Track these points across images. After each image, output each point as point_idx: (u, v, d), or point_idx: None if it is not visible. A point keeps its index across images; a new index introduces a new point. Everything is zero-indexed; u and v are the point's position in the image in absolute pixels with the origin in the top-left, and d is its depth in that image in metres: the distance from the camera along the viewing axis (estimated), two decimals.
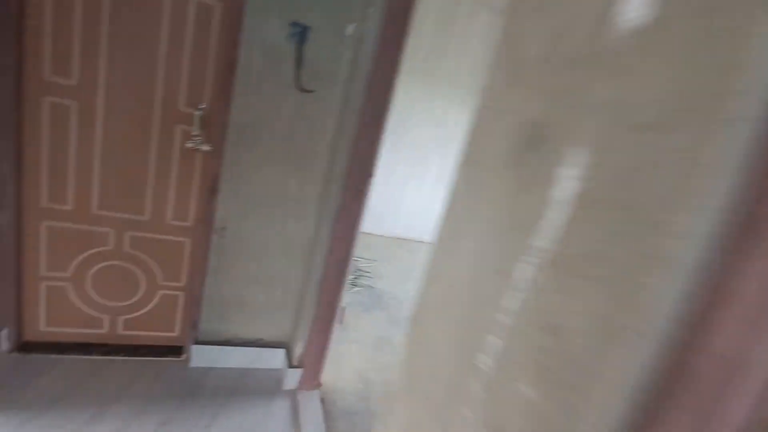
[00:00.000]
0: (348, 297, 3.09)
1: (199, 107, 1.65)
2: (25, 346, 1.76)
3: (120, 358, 1.86)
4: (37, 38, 1.43)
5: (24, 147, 1.53)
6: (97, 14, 1.46)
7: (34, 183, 1.58)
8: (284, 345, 2.07)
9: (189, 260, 1.88)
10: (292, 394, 1.94)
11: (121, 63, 1.53)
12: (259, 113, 1.66)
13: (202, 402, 1.75)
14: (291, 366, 1.95)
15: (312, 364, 1.95)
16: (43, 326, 1.79)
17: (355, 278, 3.52)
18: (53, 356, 1.76)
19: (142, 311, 1.90)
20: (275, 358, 2.07)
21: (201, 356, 1.94)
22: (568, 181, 0.44)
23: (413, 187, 5.13)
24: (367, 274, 3.70)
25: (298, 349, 1.94)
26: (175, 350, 1.98)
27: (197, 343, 1.92)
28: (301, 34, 1.59)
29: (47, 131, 1.54)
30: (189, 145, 1.68)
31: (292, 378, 1.95)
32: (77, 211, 1.66)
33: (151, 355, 1.92)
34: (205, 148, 1.70)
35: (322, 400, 1.95)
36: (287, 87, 1.65)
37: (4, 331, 1.68)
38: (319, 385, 2.02)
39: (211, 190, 1.72)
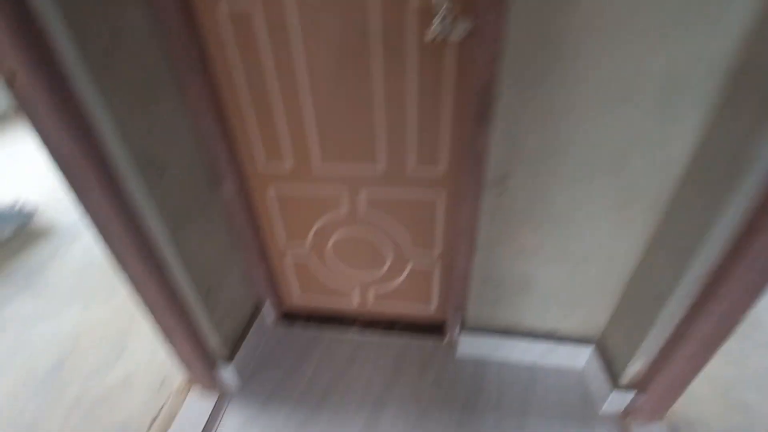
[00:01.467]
0: None
1: None
2: (286, 316, 1.60)
3: (376, 335, 1.52)
4: None
5: (219, 90, 1.06)
6: None
7: (246, 142, 1.15)
8: (592, 341, 1.31)
9: (444, 221, 1.23)
10: (617, 422, 1.22)
11: None
12: None
13: (489, 418, 1.24)
14: (616, 384, 1.19)
15: (662, 391, 1.13)
16: (298, 296, 1.58)
17: None
18: (313, 330, 1.55)
19: (391, 284, 1.45)
20: (575, 357, 1.35)
21: (470, 346, 1.40)
22: None
23: None
24: None
25: (635, 365, 1.14)
26: (434, 329, 1.52)
27: (465, 329, 1.37)
28: None
29: (237, 62, 1.01)
30: (431, 35, 0.87)
31: (617, 400, 1.20)
32: (299, 169, 1.19)
33: (408, 333, 1.51)
34: (460, 31, 0.86)
35: None
36: None
37: (267, 306, 1.52)
38: (662, 416, 1.22)
39: (478, 114, 0.91)
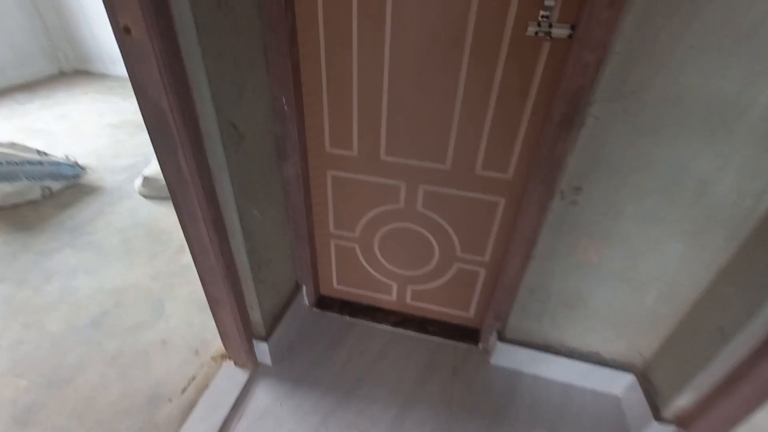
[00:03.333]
0: None
1: None
2: (321, 301, 1.61)
3: (409, 332, 1.51)
4: None
5: (302, 71, 1.08)
6: None
7: (316, 123, 1.16)
8: (635, 368, 1.27)
9: (500, 227, 1.22)
10: None
11: None
12: None
13: (519, 431, 1.22)
14: (657, 417, 1.15)
15: (706, 430, 1.09)
16: (336, 284, 1.58)
17: None
18: (347, 318, 1.55)
19: (433, 284, 1.44)
20: (615, 382, 1.31)
21: (506, 356, 1.38)
22: None
23: None
24: None
25: (681, 399, 1.10)
26: (469, 334, 1.50)
27: (502, 339, 1.35)
28: None
29: (323, 38, 1.02)
30: (532, 30, 0.86)
31: None
32: (363, 158, 1.19)
33: (443, 334, 1.50)
34: (564, 30, 0.85)
35: None
36: None
37: (305, 289, 1.53)
38: None
39: (564, 119, 0.90)
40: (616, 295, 1.12)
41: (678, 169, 0.88)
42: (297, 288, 1.50)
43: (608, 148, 0.89)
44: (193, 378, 1.33)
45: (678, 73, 0.77)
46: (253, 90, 0.97)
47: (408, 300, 1.52)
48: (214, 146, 0.89)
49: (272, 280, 1.28)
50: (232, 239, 1.05)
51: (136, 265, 1.80)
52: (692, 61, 0.75)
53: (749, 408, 1.01)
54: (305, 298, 1.56)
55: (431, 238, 1.31)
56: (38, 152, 2.21)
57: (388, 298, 1.54)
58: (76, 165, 2.29)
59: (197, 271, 1.10)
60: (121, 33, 0.72)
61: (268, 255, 1.21)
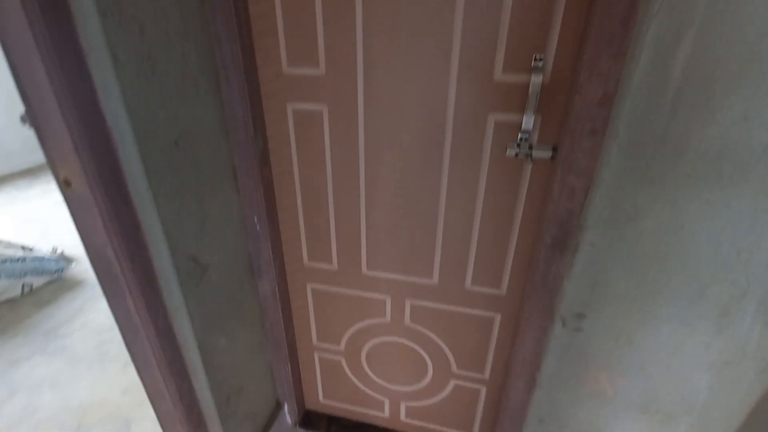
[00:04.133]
0: None
1: (537, 60, 0.73)
2: (307, 418, 1.43)
3: None
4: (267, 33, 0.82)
5: (275, 188, 1.03)
6: None
7: (293, 237, 1.09)
8: None
9: (498, 344, 1.09)
10: None
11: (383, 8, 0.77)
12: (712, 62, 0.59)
13: None
14: None
15: None
16: (322, 398, 1.42)
17: None
18: None
19: (429, 401, 1.27)
20: None
21: None
22: None
23: None
24: None
25: None
26: None
27: None
28: None
29: (296, 157, 0.97)
30: (512, 152, 0.81)
31: None
32: (343, 272, 1.10)
33: None
34: (542, 154, 0.79)
35: None
36: None
37: (287, 407, 1.37)
38: None
39: (556, 243, 0.81)
40: (640, 429, 0.96)
41: (694, 298, 0.77)
42: (278, 406, 1.34)
43: (609, 274, 0.80)
44: None
45: (676, 202, 0.69)
46: (220, 214, 0.91)
47: (402, 417, 1.35)
48: (170, 285, 0.80)
49: (245, 409, 1.13)
50: (193, 378, 0.93)
51: (107, 375, 1.65)
52: (690, 191, 0.68)
53: None
54: (287, 416, 1.39)
55: (423, 353, 1.18)
56: (23, 248, 2.16)
57: (381, 414, 1.37)
58: (61, 258, 2.23)
59: (155, 413, 0.96)
60: (62, 185, 0.66)
61: (239, 382, 1.08)
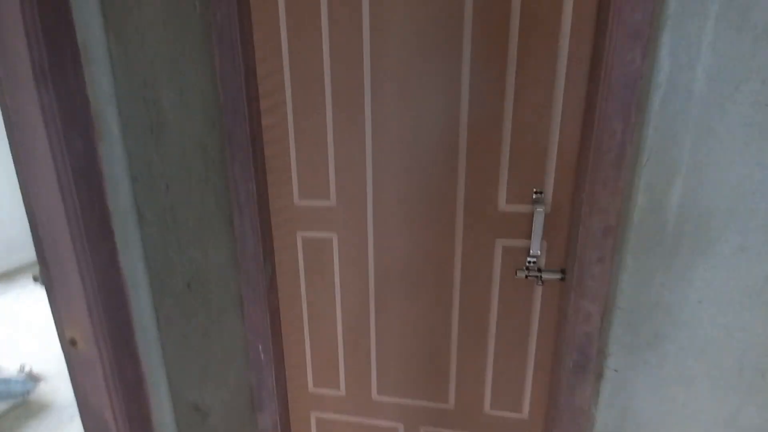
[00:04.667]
0: None
1: (537, 193, 0.79)
2: None
3: None
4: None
5: (281, 313, 1.00)
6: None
7: (298, 363, 1.04)
8: None
9: None
10: None
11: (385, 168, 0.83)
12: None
13: None
14: None
15: None
16: None
17: None
18: None
19: None
20: None
21: None
22: None
23: None
24: None
25: None
26: None
27: None
28: None
29: (304, 281, 0.97)
30: (522, 274, 0.82)
31: None
32: (352, 398, 1.03)
33: None
34: (552, 276, 0.81)
35: None
36: None
37: None
38: None
39: (578, 367, 0.79)
40: None
41: (727, 421, 0.74)
42: None
43: (639, 401, 0.77)
44: None
45: (694, 326, 0.70)
46: (222, 352, 0.86)
47: None
48: None
49: None
50: None
51: None
52: (704, 314, 0.69)
53: None
54: None
55: None
56: None
57: None
58: (28, 378, 2.03)
59: None
60: (66, 344, 0.63)
61: None
